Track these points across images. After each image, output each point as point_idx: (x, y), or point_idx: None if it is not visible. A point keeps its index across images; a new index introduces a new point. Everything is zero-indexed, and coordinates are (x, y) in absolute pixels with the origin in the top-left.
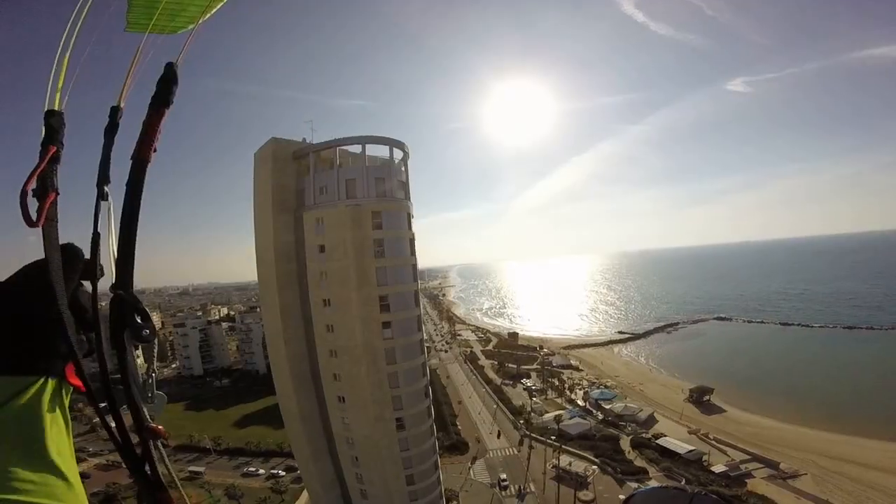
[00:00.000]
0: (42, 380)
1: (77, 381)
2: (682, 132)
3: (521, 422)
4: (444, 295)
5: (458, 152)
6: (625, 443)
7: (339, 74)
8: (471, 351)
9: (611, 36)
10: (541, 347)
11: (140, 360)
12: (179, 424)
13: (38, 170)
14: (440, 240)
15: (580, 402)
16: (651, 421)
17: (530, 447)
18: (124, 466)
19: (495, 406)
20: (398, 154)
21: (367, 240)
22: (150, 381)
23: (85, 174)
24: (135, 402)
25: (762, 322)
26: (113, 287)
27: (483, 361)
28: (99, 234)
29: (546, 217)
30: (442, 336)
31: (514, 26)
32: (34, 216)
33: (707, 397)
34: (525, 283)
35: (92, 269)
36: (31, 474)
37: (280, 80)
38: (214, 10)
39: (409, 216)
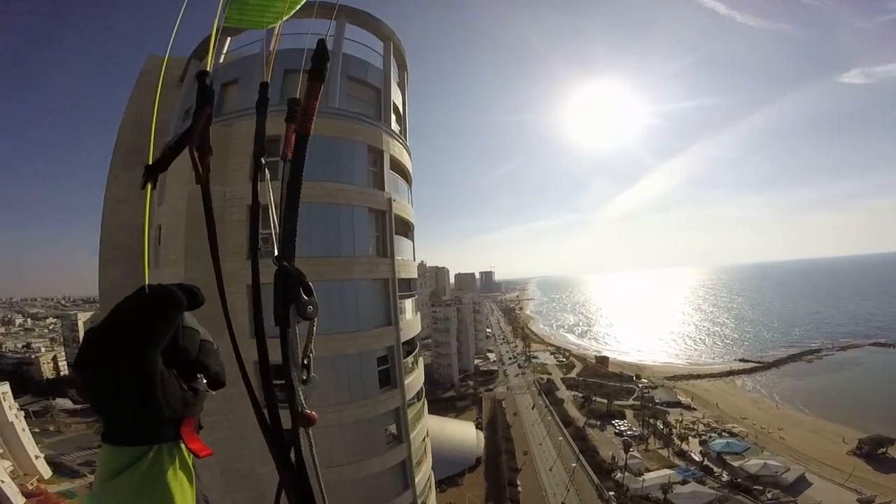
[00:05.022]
0: (154, 448)
1: (196, 444)
2: (791, 131)
3: (611, 492)
4: (520, 309)
5: (542, 162)
6: None
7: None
8: (547, 379)
9: (691, 32)
10: (638, 377)
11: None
12: None
13: (198, 127)
14: (520, 251)
15: (696, 457)
16: (801, 483)
17: None
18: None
19: (574, 464)
20: (375, 45)
21: (237, 209)
22: (308, 361)
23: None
24: (291, 384)
25: None
26: (277, 259)
27: (563, 393)
28: (259, 203)
29: (634, 226)
30: (514, 357)
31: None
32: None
33: (884, 449)
34: (613, 298)
35: (253, 246)
36: None
37: None
38: (297, 7)
39: (385, 156)
